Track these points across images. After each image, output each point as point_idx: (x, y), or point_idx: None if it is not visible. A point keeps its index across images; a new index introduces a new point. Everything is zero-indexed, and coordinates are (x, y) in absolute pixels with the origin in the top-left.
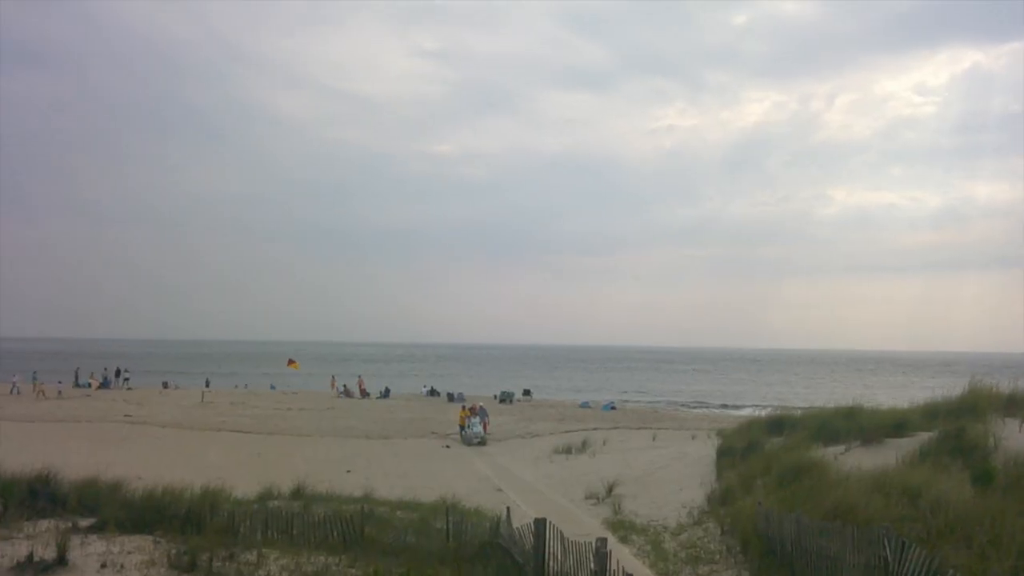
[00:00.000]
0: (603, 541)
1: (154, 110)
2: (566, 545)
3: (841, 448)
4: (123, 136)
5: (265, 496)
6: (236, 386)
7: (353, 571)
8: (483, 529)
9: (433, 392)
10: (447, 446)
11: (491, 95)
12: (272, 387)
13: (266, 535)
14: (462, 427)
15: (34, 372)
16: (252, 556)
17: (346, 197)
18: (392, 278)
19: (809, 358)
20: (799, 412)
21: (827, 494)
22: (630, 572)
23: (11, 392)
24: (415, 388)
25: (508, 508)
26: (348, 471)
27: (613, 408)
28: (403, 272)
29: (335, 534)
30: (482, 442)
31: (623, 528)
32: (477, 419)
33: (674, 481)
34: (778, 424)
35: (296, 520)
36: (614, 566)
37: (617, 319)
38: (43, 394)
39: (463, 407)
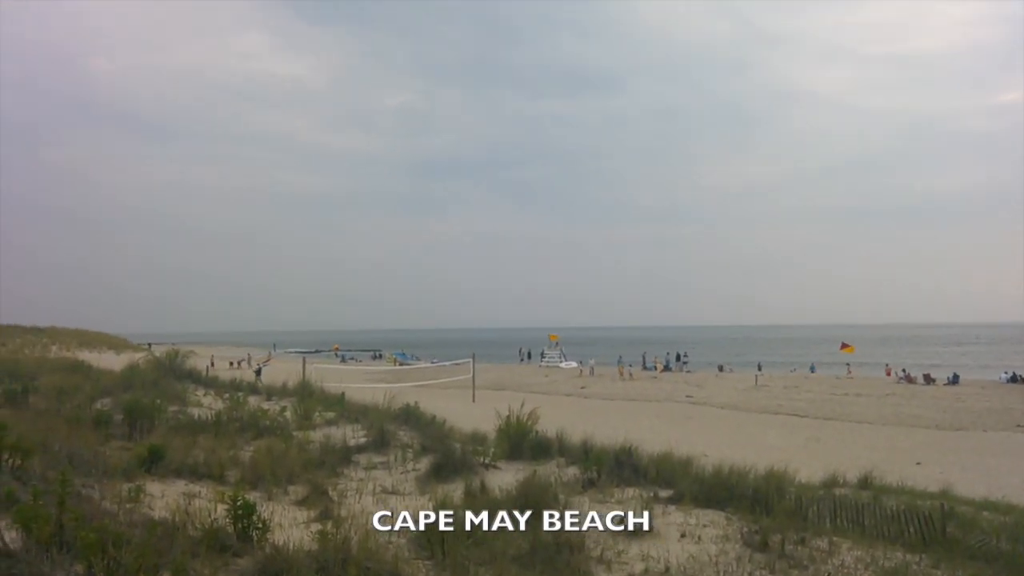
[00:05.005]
0: None
1: (684, 108)
2: None
3: None
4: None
5: (829, 483)
6: (793, 370)
7: (938, 573)
8: None
9: (1015, 378)
10: None
11: None
12: (811, 369)
13: (835, 523)
14: None
15: (619, 356)
16: (823, 543)
17: (883, 168)
18: (944, 251)
19: None
20: None
21: None
22: None
23: (590, 374)
24: (989, 375)
25: None
26: (918, 463)
27: None
28: (957, 246)
29: (911, 530)
30: None
31: None
32: None
33: None
34: None
35: (866, 511)
36: None
37: None
38: (621, 375)
39: None
